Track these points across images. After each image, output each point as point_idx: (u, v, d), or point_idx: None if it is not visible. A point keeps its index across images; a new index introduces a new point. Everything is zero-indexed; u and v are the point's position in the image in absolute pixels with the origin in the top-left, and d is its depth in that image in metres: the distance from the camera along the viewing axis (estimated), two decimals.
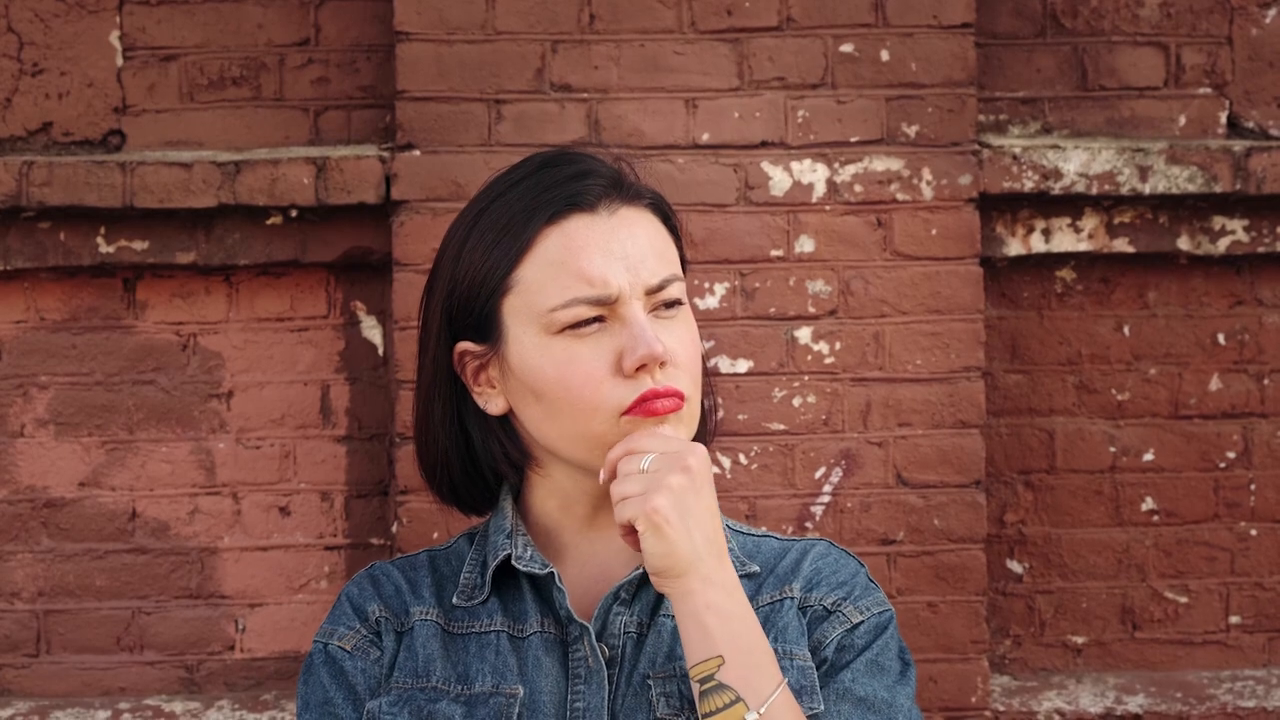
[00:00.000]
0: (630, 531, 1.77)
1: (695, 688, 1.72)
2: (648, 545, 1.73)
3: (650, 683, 1.82)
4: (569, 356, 1.80)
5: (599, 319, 1.81)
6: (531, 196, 1.84)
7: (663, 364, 1.80)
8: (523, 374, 1.83)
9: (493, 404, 1.89)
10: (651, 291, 1.82)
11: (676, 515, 1.72)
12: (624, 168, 1.91)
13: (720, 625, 1.72)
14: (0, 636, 3.42)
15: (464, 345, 1.89)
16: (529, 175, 1.87)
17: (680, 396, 1.81)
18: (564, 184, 1.84)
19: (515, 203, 1.84)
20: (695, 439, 1.92)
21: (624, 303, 1.80)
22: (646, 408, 1.79)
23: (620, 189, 1.86)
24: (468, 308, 1.86)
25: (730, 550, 1.93)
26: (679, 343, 1.83)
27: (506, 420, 1.90)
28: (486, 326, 1.86)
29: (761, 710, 1.70)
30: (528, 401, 1.85)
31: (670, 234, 1.92)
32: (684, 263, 1.95)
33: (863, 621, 1.88)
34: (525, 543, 1.89)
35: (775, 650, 1.83)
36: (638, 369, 1.78)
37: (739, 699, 1.70)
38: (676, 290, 1.85)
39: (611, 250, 1.80)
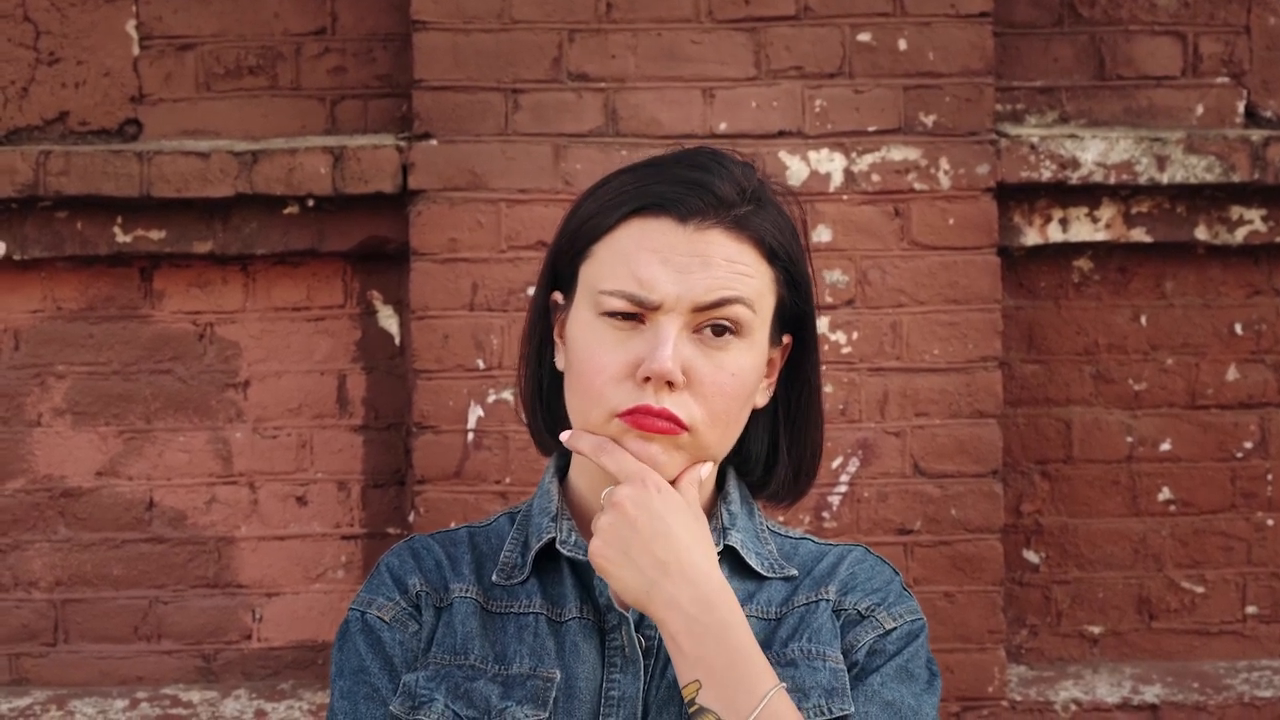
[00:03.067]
0: None
1: (690, 709, 1.73)
2: (607, 585, 1.80)
3: None
4: (600, 340, 1.81)
5: (638, 318, 1.80)
6: (644, 183, 1.84)
7: (672, 385, 1.78)
8: (570, 340, 1.86)
9: (560, 358, 1.91)
10: (701, 309, 1.79)
11: (615, 553, 1.76)
12: (758, 194, 1.87)
13: (692, 647, 1.73)
14: (18, 626, 3.43)
15: (556, 295, 1.90)
16: (661, 162, 1.87)
17: (677, 423, 1.79)
18: (677, 184, 1.83)
19: (631, 181, 1.85)
20: (771, 493, 1.95)
21: (663, 312, 1.79)
22: (634, 420, 1.79)
23: (726, 213, 1.83)
24: (562, 259, 1.89)
25: (770, 552, 1.93)
26: (712, 374, 1.81)
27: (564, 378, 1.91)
28: (569, 283, 1.88)
29: None
30: (568, 367, 1.86)
31: (776, 272, 1.87)
32: (796, 313, 1.90)
33: (895, 628, 1.88)
34: (570, 527, 1.90)
35: (809, 650, 1.83)
36: (645, 380, 1.78)
37: None
38: (737, 313, 1.80)
39: (673, 262, 1.79)
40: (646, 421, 1.78)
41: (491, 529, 1.99)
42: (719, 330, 1.80)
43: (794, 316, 1.91)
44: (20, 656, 3.43)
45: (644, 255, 1.80)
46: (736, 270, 1.81)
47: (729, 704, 1.71)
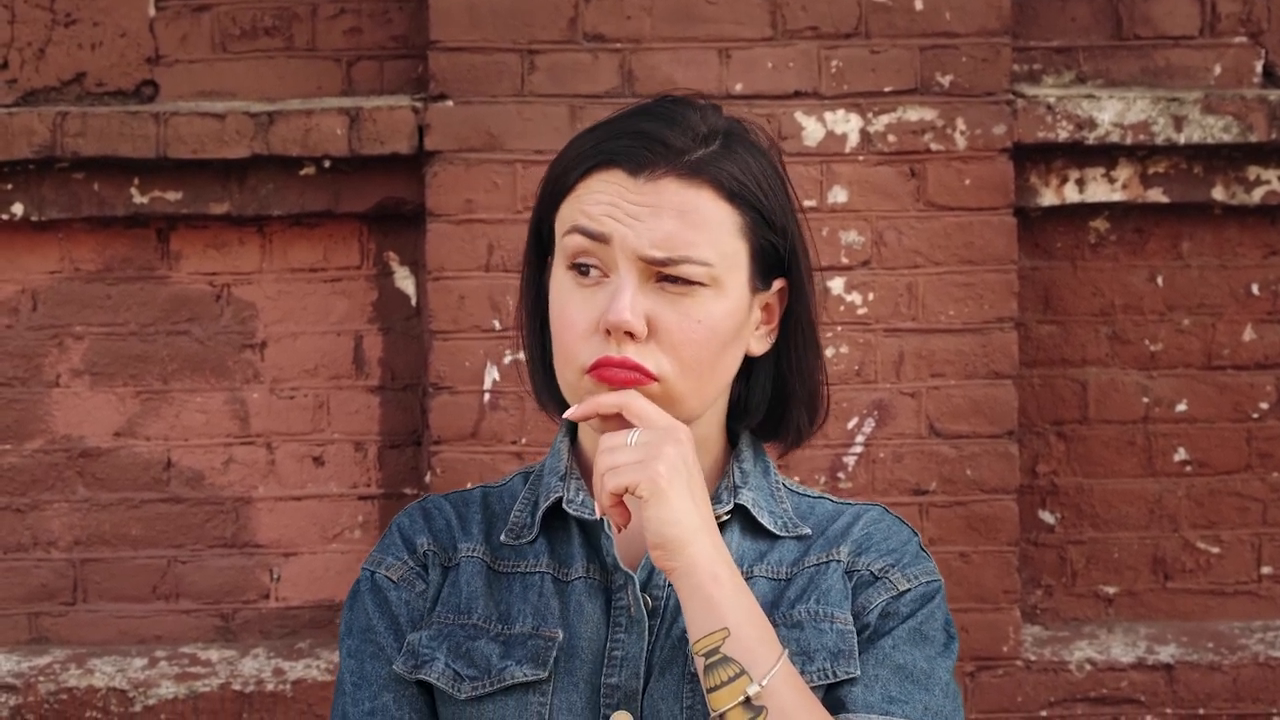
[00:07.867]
0: (617, 503, 1.75)
1: (699, 661, 1.70)
2: (652, 513, 1.70)
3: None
4: (569, 296, 1.80)
5: (600, 270, 1.78)
6: (600, 140, 1.82)
7: (632, 335, 1.77)
8: (550, 299, 1.84)
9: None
10: (651, 263, 1.78)
11: (681, 482, 1.70)
12: (720, 138, 1.84)
13: (724, 597, 1.70)
14: (37, 585, 3.45)
15: (550, 260, 1.89)
16: (619, 116, 1.85)
17: (642, 373, 1.76)
18: (627, 136, 1.81)
19: (590, 140, 1.83)
20: (780, 439, 1.92)
21: (617, 249, 1.77)
22: (598, 374, 1.77)
23: (678, 160, 1.80)
24: (540, 224, 1.88)
25: (784, 511, 1.92)
26: (679, 323, 1.78)
27: None
28: (550, 244, 1.87)
29: (764, 683, 1.69)
30: (550, 326, 1.86)
31: (742, 215, 1.84)
32: (782, 255, 1.88)
33: (909, 589, 1.86)
34: (578, 486, 1.89)
35: (816, 612, 1.82)
36: (607, 332, 1.77)
37: (743, 672, 1.69)
38: (690, 272, 1.77)
39: (620, 208, 1.77)
40: (608, 373, 1.75)
41: (505, 489, 1.99)
42: (682, 280, 1.78)
43: (780, 259, 1.87)
44: (39, 616, 3.45)
45: (593, 201, 1.79)
46: (690, 222, 1.77)
47: (752, 657, 1.70)
